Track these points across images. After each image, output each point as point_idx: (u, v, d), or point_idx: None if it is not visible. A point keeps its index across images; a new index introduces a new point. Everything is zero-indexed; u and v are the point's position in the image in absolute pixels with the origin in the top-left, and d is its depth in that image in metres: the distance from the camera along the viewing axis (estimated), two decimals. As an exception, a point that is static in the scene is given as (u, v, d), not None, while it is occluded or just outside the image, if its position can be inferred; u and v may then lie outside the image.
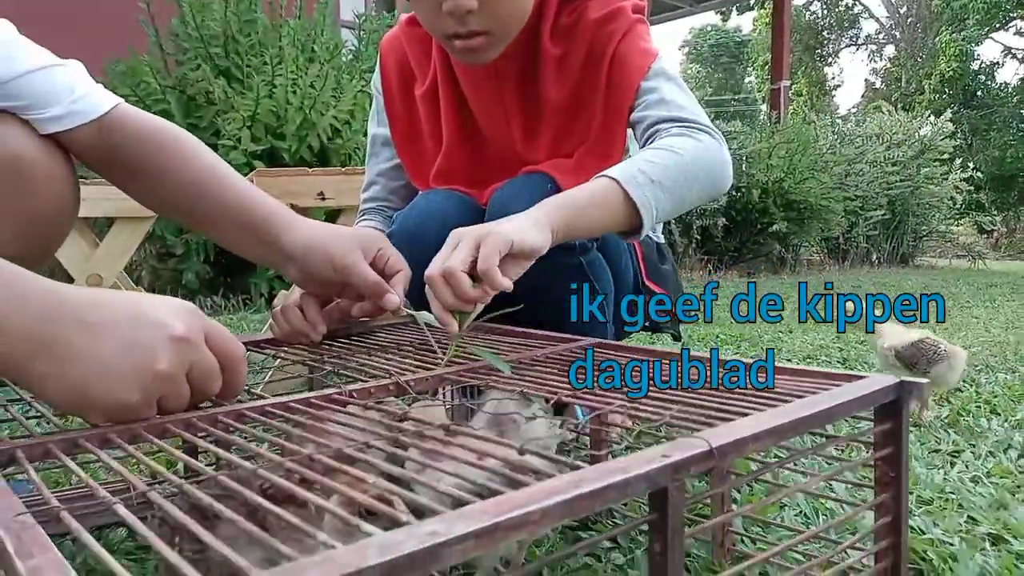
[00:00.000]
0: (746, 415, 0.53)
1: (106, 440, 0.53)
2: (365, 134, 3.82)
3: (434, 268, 0.77)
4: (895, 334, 1.32)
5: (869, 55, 26.07)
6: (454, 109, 1.15)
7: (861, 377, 0.63)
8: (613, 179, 0.89)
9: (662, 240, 1.30)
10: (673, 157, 0.94)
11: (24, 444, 0.51)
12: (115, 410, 0.53)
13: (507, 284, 0.75)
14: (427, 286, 0.77)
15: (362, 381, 0.68)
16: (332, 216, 2.04)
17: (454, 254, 0.76)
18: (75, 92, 0.82)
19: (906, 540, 0.62)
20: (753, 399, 0.59)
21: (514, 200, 1.01)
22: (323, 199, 1.64)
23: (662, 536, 0.43)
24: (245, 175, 2.36)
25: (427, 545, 0.33)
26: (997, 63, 20.48)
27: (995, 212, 14.98)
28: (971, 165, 9.08)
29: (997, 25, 19.26)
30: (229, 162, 1.00)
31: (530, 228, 0.80)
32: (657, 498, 0.43)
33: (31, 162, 0.80)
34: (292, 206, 1.65)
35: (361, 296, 0.89)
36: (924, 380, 0.62)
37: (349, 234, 0.90)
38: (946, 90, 18.93)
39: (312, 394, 0.63)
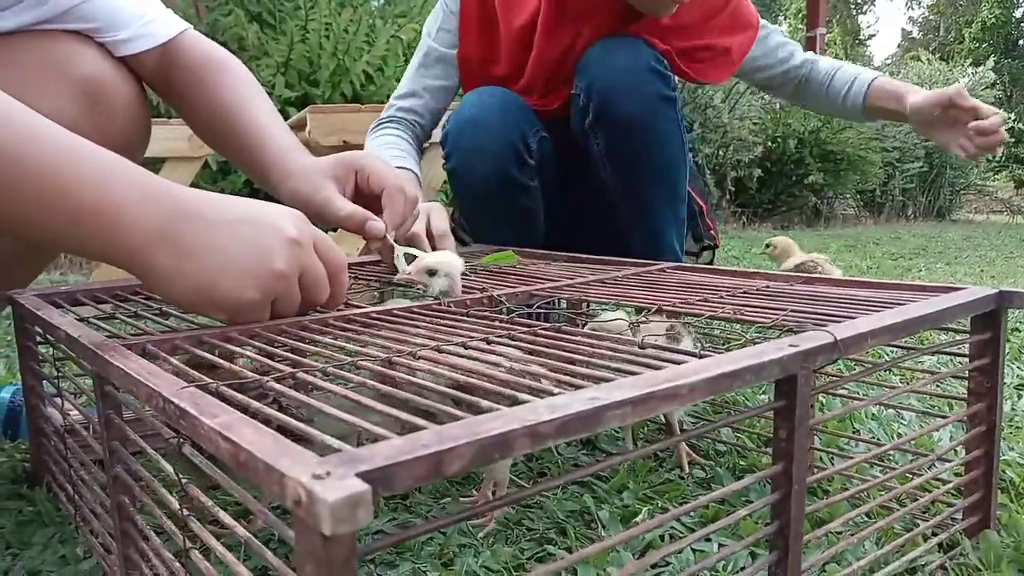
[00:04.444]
0: (854, 319, 0.53)
1: (228, 338, 0.55)
2: (398, 80, 3.81)
3: None
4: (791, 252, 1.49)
5: (907, 2, 25.08)
6: None
7: (959, 289, 0.63)
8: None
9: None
10: None
11: (154, 339, 0.53)
12: (236, 306, 0.55)
13: None
14: None
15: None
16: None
17: None
18: (146, 16, 0.82)
19: (999, 450, 0.63)
20: (861, 306, 0.59)
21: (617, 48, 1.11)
22: (375, 136, 1.64)
23: (788, 423, 0.44)
24: (290, 117, 2.37)
25: (591, 407, 0.34)
26: (1043, 9, 19.59)
27: (1034, 165, 14.50)
28: (1011, 116, 8.77)
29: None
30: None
31: None
32: (785, 385, 0.44)
33: (109, 85, 0.80)
34: (345, 143, 1.67)
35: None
36: (1020, 291, 0.62)
37: (320, 168, 0.80)
38: (987, 39, 18.21)
39: (413, 303, 0.65)
